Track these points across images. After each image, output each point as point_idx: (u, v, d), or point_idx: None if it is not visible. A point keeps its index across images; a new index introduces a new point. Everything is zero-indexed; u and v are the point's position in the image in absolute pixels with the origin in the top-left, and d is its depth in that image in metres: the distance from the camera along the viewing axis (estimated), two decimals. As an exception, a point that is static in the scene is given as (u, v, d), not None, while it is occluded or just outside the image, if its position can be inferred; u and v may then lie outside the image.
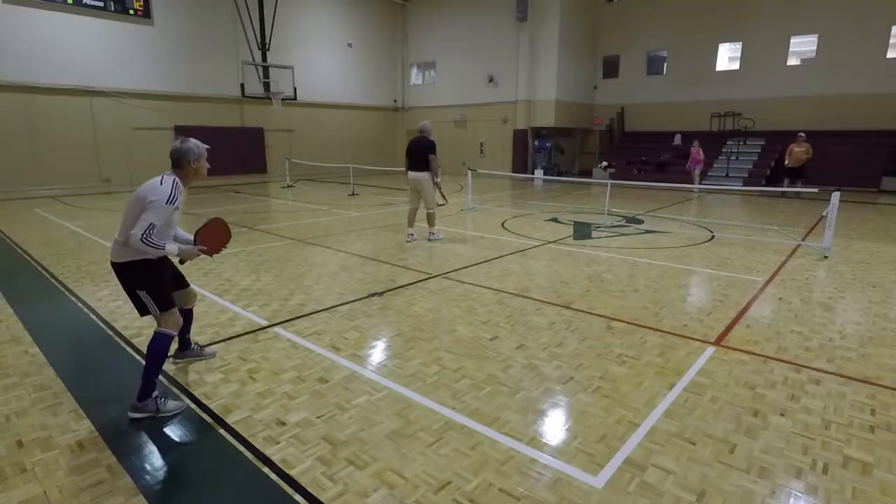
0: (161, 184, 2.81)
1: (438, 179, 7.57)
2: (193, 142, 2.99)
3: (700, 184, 15.55)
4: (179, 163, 2.93)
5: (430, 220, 7.85)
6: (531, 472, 2.44)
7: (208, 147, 3.07)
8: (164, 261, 3.05)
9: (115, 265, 2.91)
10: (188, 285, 3.39)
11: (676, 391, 3.21)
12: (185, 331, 3.45)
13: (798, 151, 14.18)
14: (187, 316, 3.43)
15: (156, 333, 2.97)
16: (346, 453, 2.57)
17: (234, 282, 5.66)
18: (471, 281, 5.72)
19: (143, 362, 3.58)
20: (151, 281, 2.93)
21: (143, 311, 3.00)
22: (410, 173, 7.56)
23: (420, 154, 7.43)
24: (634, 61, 21.51)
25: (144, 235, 2.71)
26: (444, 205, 8.60)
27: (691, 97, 19.98)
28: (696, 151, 15.68)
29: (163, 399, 2.94)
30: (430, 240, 7.85)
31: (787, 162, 14.45)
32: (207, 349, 3.72)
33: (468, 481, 2.36)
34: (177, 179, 2.91)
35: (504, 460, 2.52)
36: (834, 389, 3.25)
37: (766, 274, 6.08)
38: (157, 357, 2.94)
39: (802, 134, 14.51)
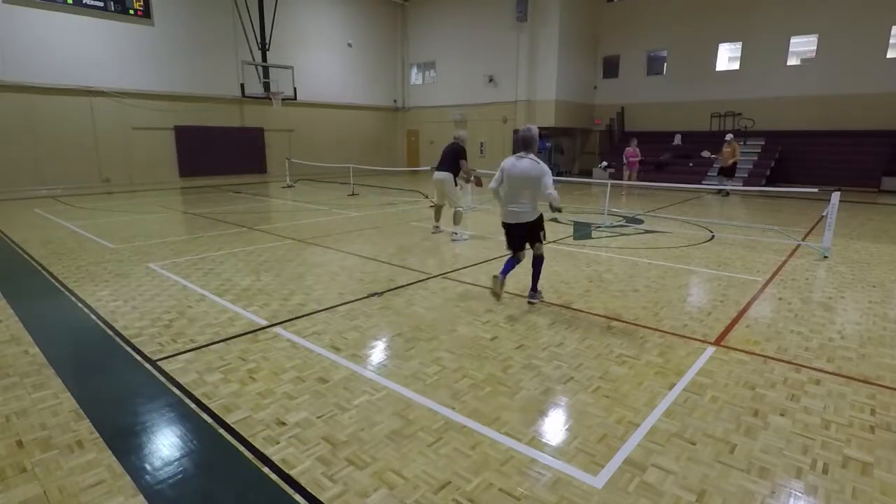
0: None
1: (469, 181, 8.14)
2: None
3: (636, 179, 15.84)
4: None
5: (454, 217, 8.16)
6: (531, 472, 2.44)
7: None
8: None
9: None
10: None
11: (676, 391, 3.21)
12: None
13: (726, 153, 14.60)
14: None
15: None
16: (346, 453, 2.57)
17: (234, 282, 5.66)
18: (471, 281, 5.72)
19: (143, 361, 3.61)
20: None
21: None
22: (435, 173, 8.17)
23: (448, 156, 8.15)
24: (634, 61, 21.49)
25: None
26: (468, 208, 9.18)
27: (691, 97, 19.97)
28: (634, 151, 15.82)
29: None
30: (452, 240, 8.05)
31: (718, 161, 15.10)
32: None
33: (468, 481, 2.36)
34: None
35: (504, 460, 2.52)
36: (834, 389, 3.25)
37: (766, 274, 6.08)
38: None
39: (730, 135, 14.88)
